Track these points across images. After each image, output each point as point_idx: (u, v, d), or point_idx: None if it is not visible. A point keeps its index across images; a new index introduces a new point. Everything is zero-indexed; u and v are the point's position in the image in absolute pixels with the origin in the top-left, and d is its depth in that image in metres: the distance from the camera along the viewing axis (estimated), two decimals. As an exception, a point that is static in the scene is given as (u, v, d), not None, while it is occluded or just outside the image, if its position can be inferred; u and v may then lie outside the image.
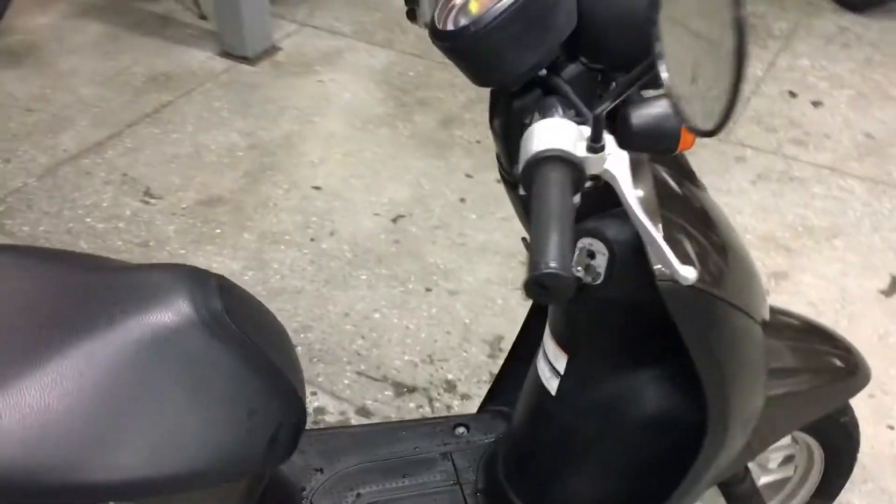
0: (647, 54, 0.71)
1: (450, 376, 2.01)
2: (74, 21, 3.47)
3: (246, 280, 2.26)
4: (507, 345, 1.46)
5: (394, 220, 2.47)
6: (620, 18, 0.81)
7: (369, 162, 2.71)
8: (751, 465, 1.45)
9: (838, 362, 1.31)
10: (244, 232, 2.43)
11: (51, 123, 2.88)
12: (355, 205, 2.53)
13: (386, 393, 1.97)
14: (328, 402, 1.95)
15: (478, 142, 2.78)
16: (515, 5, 0.78)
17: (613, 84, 0.83)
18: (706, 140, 2.81)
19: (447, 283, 2.26)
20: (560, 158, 0.71)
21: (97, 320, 0.92)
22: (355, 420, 1.90)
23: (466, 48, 0.81)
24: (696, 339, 0.93)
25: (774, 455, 1.47)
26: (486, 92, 0.94)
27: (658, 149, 0.80)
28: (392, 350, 2.07)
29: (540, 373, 1.19)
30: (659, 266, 0.87)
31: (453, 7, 0.84)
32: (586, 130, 0.75)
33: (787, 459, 1.48)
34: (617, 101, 0.74)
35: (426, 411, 1.92)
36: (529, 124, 0.78)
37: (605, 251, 0.94)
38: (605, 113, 0.73)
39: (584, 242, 0.95)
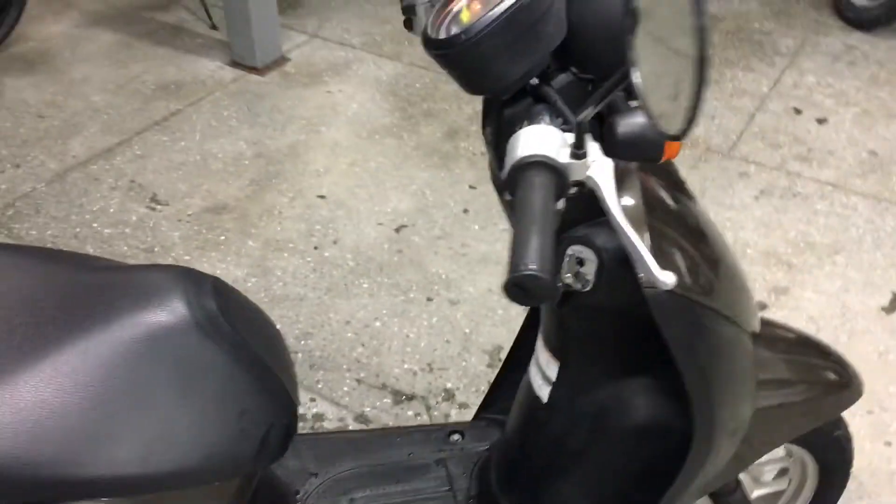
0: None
1: (449, 385, 2.02)
2: (87, 30, 3.52)
3: (249, 287, 2.28)
4: (506, 355, 1.47)
5: (397, 230, 2.49)
6: (609, 29, 0.82)
7: (374, 172, 2.74)
8: (745, 477, 1.46)
9: (831, 375, 1.32)
10: (248, 239, 2.45)
11: (61, 130, 2.92)
12: (359, 214, 2.55)
13: (385, 400, 1.98)
14: (327, 408, 1.96)
15: (482, 153, 2.80)
16: (506, 15, 0.80)
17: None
18: (710, 155, 2.84)
19: (448, 292, 2.28)
20: (543, 164, 0.72)
21: (93, 318, 0.94)
22: (353, 427, 1.91)
23: (458, 56, 0.83)
24: (682, 347, 0.94)
25: (768, 468, 1.47)
26: (491, 105, 0.95)
27: (643, 157, 0.82)
28: (392, 358, 2.09)
29: (532, 380, 1.20)
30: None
31: (446, 16, 0.86)
32: (571, 137, 0.77)
33: (781, 472, 1.48)
34: (598, 108, 0.75)
35: (424, 419, 1.93)
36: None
37: (594, 259, 0.95)
38: (587, 120, 0.74)
39: (574, 250, 0.96)
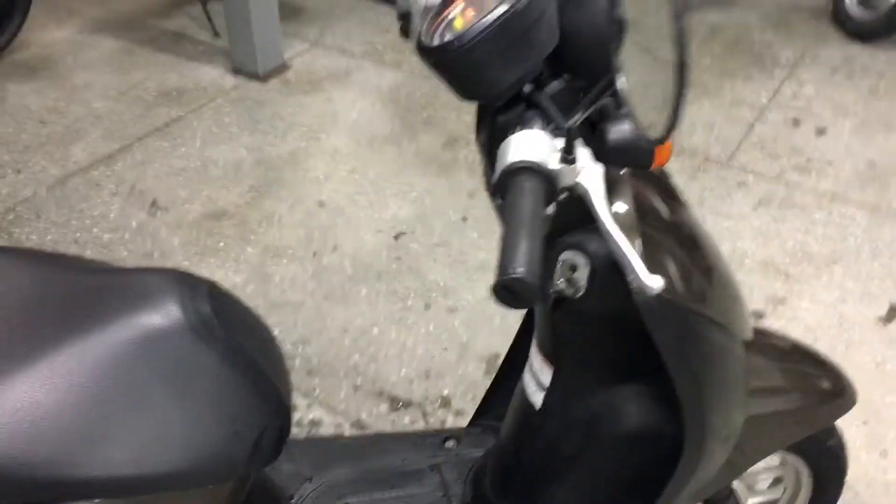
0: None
1: (445, 392, 2.03)
2: (90, 36, 3.54)
3: (247, 293, 2.29)
4: (502, 361, 1.48)
5: (396, 237, 2.50)
6: (601, 36, 0.83)
7: (374, 179, 2.75)
8: (739, 485, 1.46)
9: (824, 384, 1.32)
10: (247, 245, 2.46)
11: (63, 135, 2.93)
12: (358, 221, 2.56)
13: (381, 407, 1.99)
14: (324, 414, 1.97)
15: (481, 162, 2.80)
16: (498, 22, 0.80)
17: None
18: (709, 165, 2.84)
19: (446, 300, 2.28)
20: (533, 169, 0.73)
21: (89, 321, 0.94)
22: (349, 433, 1.91)
23: (451, 63, 0.84)
24: (673, 353, 0.94)
25: (762, 476, 1.47)
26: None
27: (633, 164, 0.82)
28: (389, 365, 2.09)
29: (526, 386, 1.21)
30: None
31: (440, 23, 0.87)
32: (561, 143, 0.77)
33: (776, 481, 1.48)
34: (586, 114, 0.76)
35: (420, 426, 1.94)
36: None
37: (587, 264, 0.96)
38: (576, 125, 0.75)
39: (567, 255, 0.97)
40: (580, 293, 0.98)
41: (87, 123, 3.00)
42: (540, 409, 1.17)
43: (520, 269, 0.66)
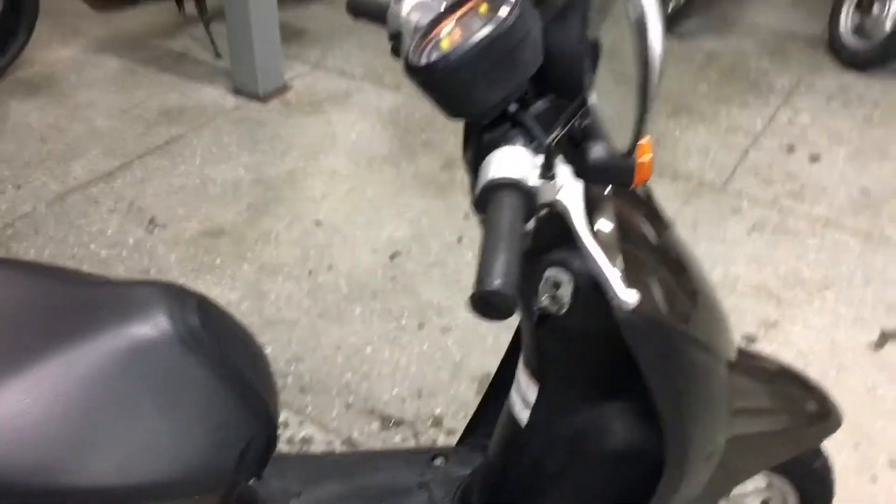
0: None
1: (437, 411, 2.03)
2: (94, 56, 3.58)
3: (242, 310, 2.30)
4: (491, 379, 1.49)
5: (391, 257, 2.51)
6: (583, 56, 0.85)
7: (371, 199, 2.77)
8: (726, 507, 1.47)
9: (810, 406, 1.33)
10: (244, 263, 2.48)
11: (64, 152, 2.96)
12: (354, 240, 2.58)
13: (373, 425, 1.99)
14: (315, 432, 1.97)
15: (478, 184, 2.82)
16: (483, 43, 0.82)
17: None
18: (703, 190, 2.86)
19: (440, 319, 2.29)
20: (513, 185, 0.75)
21: (78, 331, 0.96)
22: (340, 451, 1.92)
23: (437, 82, 0.86)
24: (653, 368, 0.95)
25: (750, 498, 1.47)
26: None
27: (614, 182, 0.84)
28: (382, 384, 2.10)
29: (513, 404, 1.22)
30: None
31: (428, 43, 0.89)
32: (542, 160, 0.79)
33: (763, 503, 1.49)
34: (564, 130, 0.78)
35: (411, 445, 1.94)
36: None
37: (571, 282, 0.97)
38: (555, 142, 0.77)
39: (551, 273, 0.98)
40: (564, 310, 0.99)
41: (88, 141, 3.03)
42: (526, 427, 1.18)
43: (497, 282, 0.67)
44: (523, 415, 1.18)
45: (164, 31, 3.79)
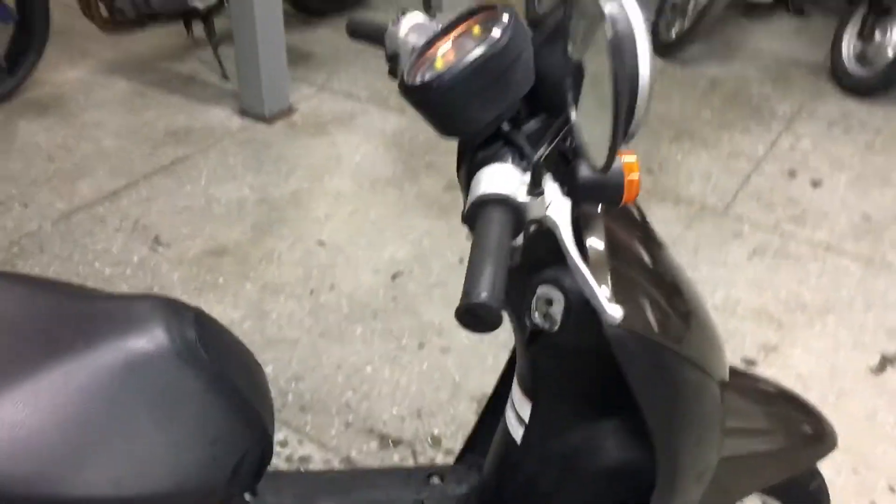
0: None
1: (436, 431, 2.04)
2: (103, 77, 3.63)
3: (245, 329, 2.31)
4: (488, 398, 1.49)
5: (393, 277, 2.53)
6: (566, 76, 0.87)
7: (374, 220, 2.79)
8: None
9: (805, 427, 1.33)
10: (247, 282, 2.49)
11: (71, 172, 2.99)
12: (357, 261, 2.60)
13: (371, 444, 2.00)
14: (314, 451, 1.98)
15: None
16: (476, 62, 0.84)
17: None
18: (705, 214, 2.87)
19: (440, 340, 2.30)
20: (501, 201, 0.77)
21: (76, 343, 0.97)
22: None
23: (431, 101, 0.88)
24: (642, 385, 0.96)
25: (745, 521, 1.47)
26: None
27: (604, 200, 0.86)
28: (381, 403, 2.11)
29: (507, 421, 1.22)
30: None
31: (422, 64, 0.92)
32: (529, 177, 0.81)
33: (759, 526, 1.49)
34: (550, 147, 0.80)
35: (410, 465, 1.94)
36: None
37: (562, 299, 0.98)
38: (543, 160, 0.79)
39: (543, 290, 0.99)
40: (556, 327, 1.00)
41: (95, 160, 3.06)
42: (520, 444, 1.19)
43: (483, 295, 0.69)
44: (517, 432, 1.19)
45: (173, 54, 3.84)
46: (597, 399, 1.12)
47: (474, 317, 0.69)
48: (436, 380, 2.18)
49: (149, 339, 0.98)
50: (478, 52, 0.84)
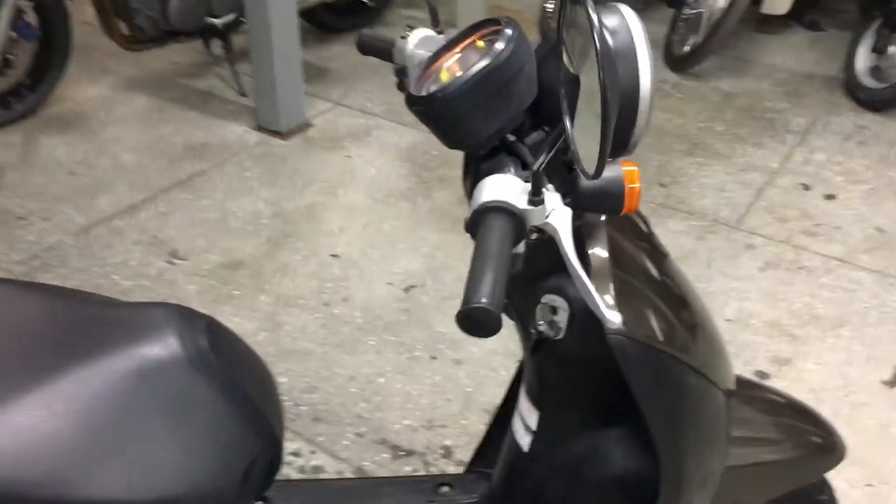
0: None
1: (448, 442, 2.05)
2: (122, 93, 3.69)
3: (259, 340, 2.34)
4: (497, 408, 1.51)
5: (406, 290, 2.55)
6: (560, 86, 0.89)
7: (387, 233, 2.81)
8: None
9: (813, 438, 1.34)
10: (261, 294, 2.52)
11: (90, 186, 3.04)
12: (370, 273, 2.62)
13: (383, 455, 2.01)
14: (327, 461, 1.99)
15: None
16: (479, 75, 0.87)
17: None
18: (717, 227, 2.88)
19: (453, 352, 2.32)
20: (502, 209, 0.79)
21: (91, 350, 0.99)
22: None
23: (435, 112, 0.90)
24: (645, 393, 0.97)
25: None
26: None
27: (605, 209, 0.87)
28: (393, 414, 2.12)
29: (515, 430, 1.24)
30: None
31: (428, 76, 0.94)
32: (530, 186, 0.83)
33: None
34: (549, 156, 0.81)
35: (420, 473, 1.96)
36: None
37: (567, 308, 1.00)
38: (543, 169, 0.81)
39: (547, 299, 1.01)
40: (560, 336, 1.02)
41: (114, 175, 3.11)
42: (527, 453, 1.20)
43: (483, 300, 0.70)
44: (524, 441, 1.20)
45: (191, 71, 3.90)
46: (602, 407, 1.13)
47: (474, 321, 0.71)
48: (447, 391, 2.19)
49: (162, 347, 1.00)
50: (481, 64, 0.86)
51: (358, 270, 2.63)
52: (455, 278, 2.59)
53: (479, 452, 1.55)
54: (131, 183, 3.06)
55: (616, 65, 0.77)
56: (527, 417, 1.19)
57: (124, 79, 3.79)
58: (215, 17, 3.50)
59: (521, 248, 0.83)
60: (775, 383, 2.23)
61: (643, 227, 1.11)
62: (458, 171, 3.17)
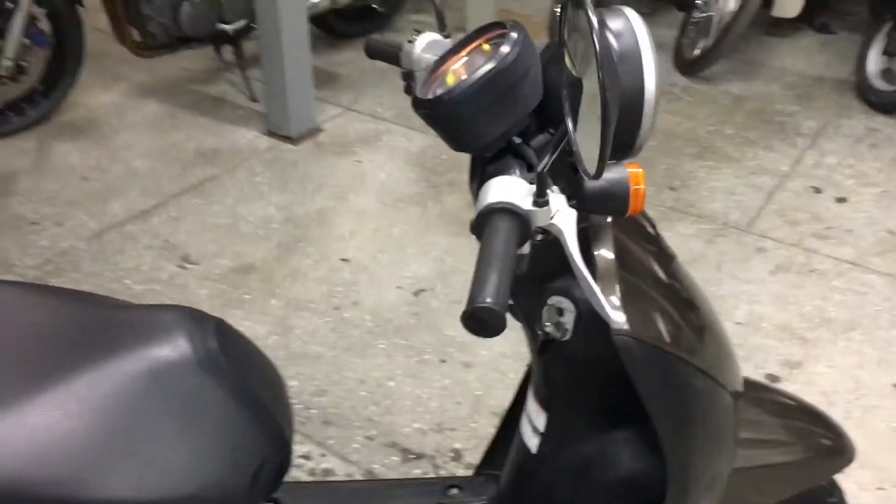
0: None
1: (457, 445, 2.05)
2: (134, 100, 3.72)
3: (269, 344, 2.35)
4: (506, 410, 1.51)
5: (415, 294, 2.56)
6: (562, 88, 0.89)
7: (397, 238, 2.82)
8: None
9: (822, 439, 1.34)
10: (272, 298, 2.54)
11: (103, 192, 3.07)
12: (380, 277, 2.63)
13: (393, 458, 2.02)
14: (337, 464, 2.00)
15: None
16: (485, 78, 0.87)
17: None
18: (727, 230, 2.87)
19: (462, 355, 2.32)
20: (507, 210, 0.79)
21: (102, 351, 1.01)
22: (360, 482, 1.95)
23: (441, 115, 0.91)
24: (651, 394, 0.98)
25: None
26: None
27: (610, 210, 0.88)
28: (403, 417, 2.13)
29: (523, 432, 1.24)
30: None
31: (434, 79, 0.95)
32: (535, 187, 0.83)
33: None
34: (553, 157, 0.82)
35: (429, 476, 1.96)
36: None
37: (573, 309, 1.01)
38: (547, 170, 0.81)
39: (554, 300, 1.01)
40: (566, 337, 1.02)
41: (126, 181, 3.13)
42: (535, 454, 1.21)
43: (488, 299, 0.71)
44: (532, 443, 1.21)
45: (203, 77, 3.92)
46: (609, 409, 1.13)
47: (479, 321, 0.72)
48: (457, 394, 2.20)
49: (172, 348, 1.01)
50: (486, 67, 0.87)
51: (368, 274, 2.64)
52: (464, 282, 2.58)
53: (488, 455, 1.55)
54: (143, 188, 3.09)
55: (616, 66, 0.77)
56: (535, 419, 1.20)
57: (136, 85, 3.82)
58: (226, 23, 3.53)
59: (526, 249, 0.84)
60: (786, 387, 2.22)
61: (650, 229, 1.11)
62: (467, 176, 3.18)
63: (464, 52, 0.95)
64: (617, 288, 0.94)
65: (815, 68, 4.09)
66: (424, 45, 1.12)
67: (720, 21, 3.84)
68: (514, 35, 0.89)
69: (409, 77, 1.13)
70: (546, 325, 1.02)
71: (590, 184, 0.86)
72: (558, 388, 1.13)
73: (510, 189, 0.82)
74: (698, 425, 1.05)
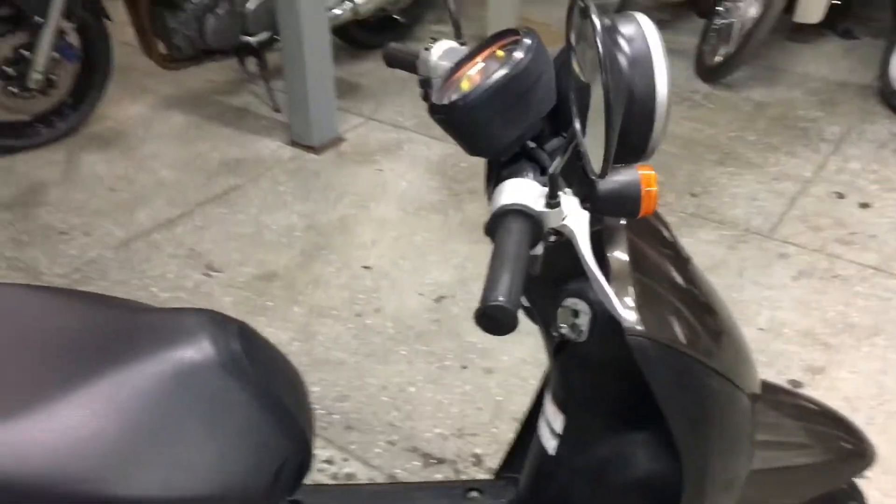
0: None
1: (478, 451, 2.06)
2: (161, 111, 3.78)
3: (292, 350, 2.38)
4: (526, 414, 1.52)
5: (437, 300, 2.58)
6: (570, 92, 0.91)
7: (418, 245, 2.85)
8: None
9: (842, 442, 1.33)
10: (295, 305, 2.57)
11: (130, 202, 3.12)
12: (402, 284, 2.65)
13: (415, 463, 2.03)
14: (359, 468, 2.02)
15: (524, 230, 2.88)
16: (499, 83, 0.89)
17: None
18: (750, 236, 2.86)
19: (483, 361, 2.33)
20: (520, 212, 0.81)
21: (129, 353, 1.04)
22: (382, 487, 1.96)
23: (456, 120, 0.93)
24: (667, 395, 0.98)
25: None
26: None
27: (622, 212, 0.89)
28: (424, 423, 2.14)
29: (541, 434, 1.25)
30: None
31: (450, 85, 0.97)
32: (547, 189, 0.85)
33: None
34: (564, 159, 0.84)
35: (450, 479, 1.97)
36: None
37: (588, 310, 1.02)
38: (559, 172, 0.83)
39: (569, 302, 1.03)
40: (582, 338, 1.03)
41: (152, 191, 3.19)
42: (553, 456, 1.22)
43: (500, 298, 0.73)
44: (550, 445, 1.22)
45: (227, 88, 3.98)
46: (626, 410, 1.14)
47: (491, 319, 0.74)
48: (478, 400, 2.21)
49: (196, 350, 1.04)
50: (500, 73, 0.89)
51: (389, 282, 2.67)
52: (485, 289, 2.61)
53: (508, 459, 1.56)
54: (169, 198, 3.14)
55: (622, 70, 0.79)
56: (552, 421, 1.21)
57: (163, 97, 3.89)
58: (250, 35, 3.59)
59: (539, 250, 0.85)
60: (809, 392, 2.20)
61: (665, 233, 1.12)
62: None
63: (478, 59, 0.97)
64: (631, 289, 0.95)
65: (838, 74, 4.07)
66: (441, 52, 1.14)
67: (742, 27, 3.83)
68: (527, 41, 0.91)
69: (426, 84, 1.16)
70: (561, 327, 1.04)
71: (602, 186, 0.88)
72: (575, 390, 1.15)
73: (523, 191, 0.84)
74: (715, 426, 1.06)
